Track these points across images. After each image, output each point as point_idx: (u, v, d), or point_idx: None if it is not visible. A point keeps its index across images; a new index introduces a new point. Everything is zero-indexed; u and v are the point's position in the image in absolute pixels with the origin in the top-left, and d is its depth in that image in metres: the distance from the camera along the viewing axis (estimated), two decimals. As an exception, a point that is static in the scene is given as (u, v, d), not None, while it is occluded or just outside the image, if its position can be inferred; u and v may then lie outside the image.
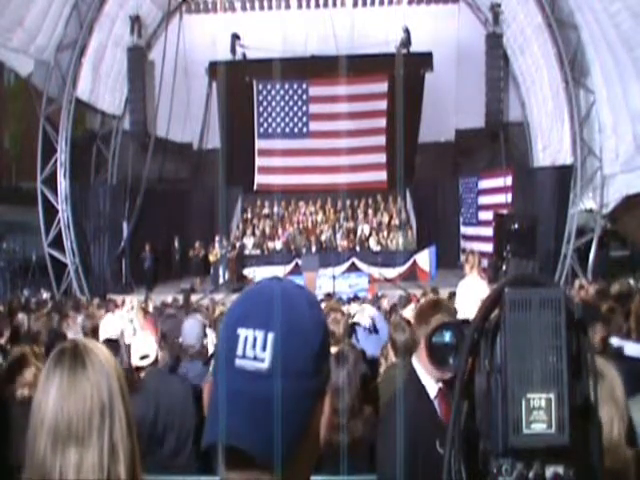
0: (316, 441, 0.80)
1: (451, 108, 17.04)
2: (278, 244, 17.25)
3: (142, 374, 3.42)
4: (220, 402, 0.75)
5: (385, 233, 17.45)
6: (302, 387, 0.76)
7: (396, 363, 3.43)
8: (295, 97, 18.37)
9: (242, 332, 0.77)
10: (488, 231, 15.92)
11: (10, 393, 2.64)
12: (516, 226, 14.27)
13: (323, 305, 5.86)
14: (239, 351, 0.76)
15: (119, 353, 3.52)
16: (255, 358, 0.75)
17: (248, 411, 0.73)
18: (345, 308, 6.54)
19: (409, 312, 5.10)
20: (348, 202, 18.38)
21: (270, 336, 0.76)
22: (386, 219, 18.02)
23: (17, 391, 2.64)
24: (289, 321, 0.77)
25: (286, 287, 0.82)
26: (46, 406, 1.18)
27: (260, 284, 0.84)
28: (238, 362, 0.75)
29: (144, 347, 3.44)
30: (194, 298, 12.47)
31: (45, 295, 13.82)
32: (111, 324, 4.97)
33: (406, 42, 17.32)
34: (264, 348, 0.75)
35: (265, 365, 0.74)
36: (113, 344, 3.69)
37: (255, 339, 0.76)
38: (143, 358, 3.41)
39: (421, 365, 2.23)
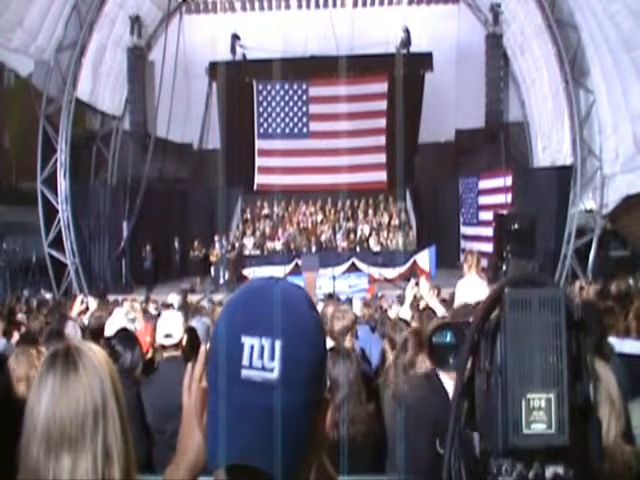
0: (321, 447, 0.79)
1: (451, 108, 17.03)
2: (278, 244, 17.25)
3: (165, 354, 3.47)
4: (227, 417, 0.70)
5: (385, 233, 17.45)
6: (311, 395, 0.74)
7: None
8: (295, 97, 18.37)
9: (247, 341, 0.72)
10: (488, 231, 15.91)
11: (13, 394, 2.64)
12: (516, 226, 14.26)
13: (328, 306, 5.84)
14: (245, 361, 0.71)
15: (131, 344, 3.50)
16: (263, 368, 0.71)
17: (260, 426, 0.69)
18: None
19: (406, 312, 5.10)
20: (348, 202, 18.39)
21: (278, 344, 0.72)
22: (386, 219, 18.02)
23: (20, 392, 2.64)
24: (294, 327, 0.74)
25: (286, 289, 0.78)
26: (39, 411, 1.17)
27: (257, 285, 0.80)
28: (244, 373, 0.71)
29: (168, 326, 3.46)
30: (194, 298, 12.46)
31: (48, 296, 13.82)
32: (117, 322, 4.97)
33: (406, 42, 17.33)
34: (272, 357, 0.71)
35: (275, 375, 0.71)
36: (127, 334, 3.68)
37: (262, 348, 0.71)
38: (167, 337, 3.43)
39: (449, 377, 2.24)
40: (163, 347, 3.49)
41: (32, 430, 1.17)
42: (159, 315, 8.18)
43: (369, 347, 4.41)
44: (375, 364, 4.04)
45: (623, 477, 1.54)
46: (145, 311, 8.46)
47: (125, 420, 1.23)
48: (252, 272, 15.74)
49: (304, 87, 18.29)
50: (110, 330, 4.43)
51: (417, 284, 5.28)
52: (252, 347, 0.72)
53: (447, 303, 6.07)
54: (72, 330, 4.71)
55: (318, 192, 18.35)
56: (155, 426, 3.11)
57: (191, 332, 3.92)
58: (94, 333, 4.56)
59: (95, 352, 1.26)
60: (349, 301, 8.82)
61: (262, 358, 0.71)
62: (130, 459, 1.21)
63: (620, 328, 3.73)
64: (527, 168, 16.62)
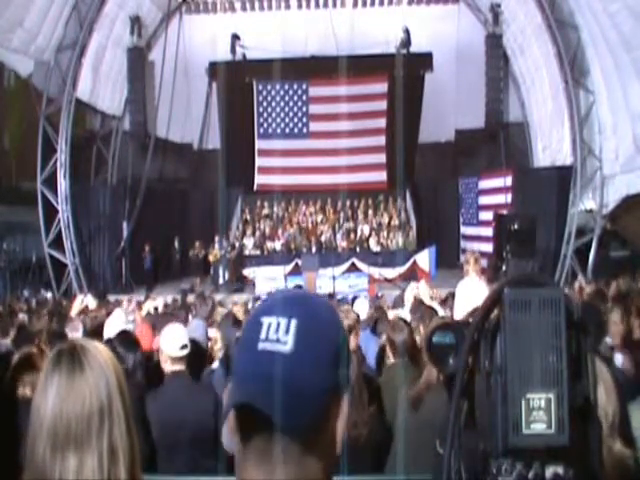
0: (333, 441, 0.80)
1: (451, 108, 17.03)
2: (278, 244, 17.24)
3: (171, 367, 3.28)
4: (241, 378, 0.77)
5: (385, 233, 17.45)
6: (321, 376, 0.77)
7: (396, 364, 3.42)
8: (295, 97, 18.37)
9: (266, 320, 0.79)
10: (488, 231, 15.90)
11: (17, 394, 2.63)
12: (516, 226, 14.24)
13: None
14: (262, 335, 0.78)
15: (133, 347, 3.42)
16: (278, 340, 0.77)
17: (269, 386, 0.74)
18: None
19: (407, 313, 5.10)
20: (348, 202, 18.39)
21: (293, 322, 0.78)
22: (386, 219, 18.01)
23: (24, 392, 2.64)
24: (312, 314, 0.81)
25: (310, 293, 0.88)
26: (45, 410, 1.17)
27: (286, 289, 0.91)
28: (261, 345, 0.77)
29: (183, 337, 3.31)
30: (193, 299, 12.45)
31: (49, 295, 13.81)
32: (116, 322, 4.96)
33: (406, 42, 17.33)
34: (287, 332, 0.77)
35: (287, 347, 0.76)
36: (128, 336, 3.62)
37: (278, 324, 0.78)
38: (183, 348, 3.27)
39: None
40: (171, 358, 3.31)
41: (38, 429, 1.17)
42: (157, 313, 8.20)
43: (365, 347, 4.39)
44: (372, 364, 4.03)
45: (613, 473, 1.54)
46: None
47: (130, 419, 1.23)
48: (252, 272, 15.74)
49: (304, 87, 18.28)
50: (109, 330, 4.42)
51: (417, 288, 5.29)
52: (270, 324, 0.79)
53: (447, 303, 6.07)
54: (75, 329, 4.70)
55: (318, 192, 18.34)
56: (159, 441, 3.06)
57: (194, 346, 3.76)
58: (90, 333, 4.56)
59: (100, 351, 1.26)
60: (353, 300, 8.77)
61: (278, 332, 0.78)
62: (135, 458, 1.21)
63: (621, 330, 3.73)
64: (527, 168, 16.62)
